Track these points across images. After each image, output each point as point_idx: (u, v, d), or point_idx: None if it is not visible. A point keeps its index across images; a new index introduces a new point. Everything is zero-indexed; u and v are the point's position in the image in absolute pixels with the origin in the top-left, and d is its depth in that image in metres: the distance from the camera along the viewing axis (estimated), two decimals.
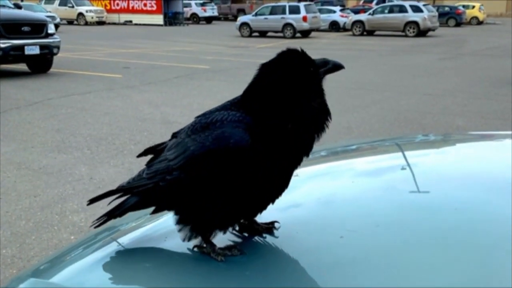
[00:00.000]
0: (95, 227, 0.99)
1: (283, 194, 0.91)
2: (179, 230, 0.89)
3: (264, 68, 0.90)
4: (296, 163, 0.89)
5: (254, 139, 0.82)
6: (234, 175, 0.82)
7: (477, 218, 0.93)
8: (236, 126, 0.83)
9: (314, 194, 1.16)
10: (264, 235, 0.93)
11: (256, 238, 0.93)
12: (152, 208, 0.95)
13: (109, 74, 12.20)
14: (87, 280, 0.90)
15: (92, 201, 0.99)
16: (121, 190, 0.95)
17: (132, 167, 5.30)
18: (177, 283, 0.83)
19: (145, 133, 6.75)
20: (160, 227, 1.07)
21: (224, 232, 0.90)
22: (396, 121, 7.46)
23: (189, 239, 0.89)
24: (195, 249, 0.89)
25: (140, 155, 1.05)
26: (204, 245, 0.87)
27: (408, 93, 9.90)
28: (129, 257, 0.96)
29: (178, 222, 0.89)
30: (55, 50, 12.00)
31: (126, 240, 1.02)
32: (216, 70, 13.32)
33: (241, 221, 0.93)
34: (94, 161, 5.58)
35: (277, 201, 0.96)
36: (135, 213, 1.23)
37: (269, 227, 0.93)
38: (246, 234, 0.94)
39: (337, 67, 0.91)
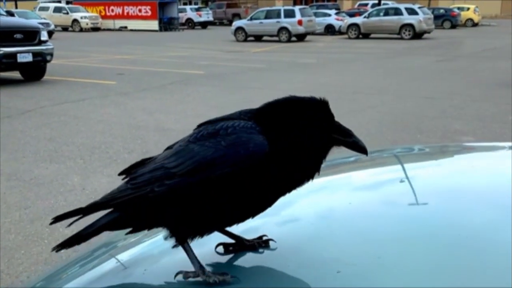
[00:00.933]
0: (56, 251, 0.91)
1: (283, 208, 0.91)
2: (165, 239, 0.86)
3: (287, 100, 0.86)
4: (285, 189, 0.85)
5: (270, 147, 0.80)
6: (244, 181, 0.80)
7: (477, 233, 0.91)
8: (251, 132, 0.80)
9: (312, 209, 1.14)
10: (254, 252, 0.88)
11: (246, 256, 0.88)
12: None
13: (103, 81, 12.11)
14: None
15: (57, 219, 0.89)
16: (94, 205, 0.86)
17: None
18: None
19: (138, 141, 6.66)
20: (160, 243, 1.01)
21: (201, 237, 0.85)
22: (393, 125, 7.38)
23: (169, 239, 0.85)
24: (183, 275, 0.81)
25: (122, 173, 0.93)
26: (194, 270, 0.80)
27: (405, 96, 9.84)
28: (128, 274, 0.92)
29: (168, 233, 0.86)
30: (48, 57, 11.91)
31: (125, 256, 0.99)
32: (211, 75, 13.25)
33: (226, 240, 0.89)
34: (86, 170, 5.48)
35: (274, 216, 0.95)
36: None
37: (259, 242, 0.89)
38: (231, 253, 0.90)
39: (357, 147, 0.85)
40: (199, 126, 0.87)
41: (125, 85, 11.48)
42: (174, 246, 0.84)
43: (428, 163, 1.62)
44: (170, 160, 0.83)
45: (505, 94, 9.86)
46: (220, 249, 0.89)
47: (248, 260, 0.88)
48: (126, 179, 0.88)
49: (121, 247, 1.09)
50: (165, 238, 0.85)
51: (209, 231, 0.85)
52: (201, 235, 0.84)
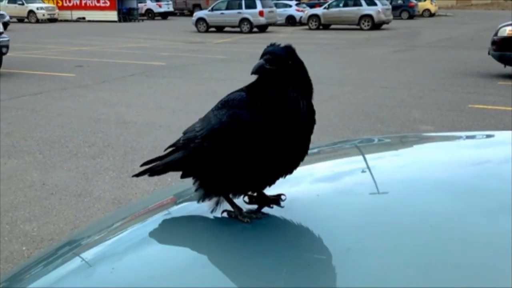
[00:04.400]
0: (135, 176, 1.12)
1: None
2: (196, 190, 1.03)
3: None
4: (299, 143, 0.98)
5: (256, 116, 0.95)
6: (241, 145, 0.95)
7: (435, 220, 0.94)
8: (238, 107, 0.97)
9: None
10: (271, 205, 1.03)
11: (265, 208, 1.03)
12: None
13: (61, 74, 11.85)
14: None
15: (144, 164, 1.12)
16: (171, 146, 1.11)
17: (87, 170, 5.13)
18: None
19: (99, 134, 6.55)
20: (124, 241, 1.03)
21: (237, 198, 1.02)
22: (354, 115, 7.49)
23: (203, 200, 1.02)
24: (224, 213, 0.99)
25: None
26: (232, 210, 0.99)
27: (365, 86, 9.98)
28: (93, 272, 0.91)
29: (197, 185, 1.02)
30: (4, 50, 11.57)
31: (89, 255, 0.98)
32: (173, 66, 13.13)
33: (250, 193, 1.05)
34: (46, 165, 5.37)
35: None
36: (98, 225, 1.25)
37: (276, 199, 1.04)
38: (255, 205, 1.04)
39: None
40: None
41: (84, 78, 11.25)
42: (206, 197, 1.01)
43: (389, 153, 1.65)
44: (198, 125, 1.03)
45: (461, 82, 10.13)
46: (246, 199, 1.05)
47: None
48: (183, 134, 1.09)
49: (85, 245, 1.08)
50: (201, 199, 1.02)
51: (234, 188, 1.00)
52: (230, 192, 1.01)
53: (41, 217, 4.09)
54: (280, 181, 1.41)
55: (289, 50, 0.99)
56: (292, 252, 0.86)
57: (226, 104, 1.00)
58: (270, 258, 0.84)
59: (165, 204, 1.16)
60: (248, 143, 0.95)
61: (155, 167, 1.09)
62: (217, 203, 1.01)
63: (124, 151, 5.76)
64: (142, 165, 1.12)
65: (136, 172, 1.12)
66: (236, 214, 0.97)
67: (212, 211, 1.00)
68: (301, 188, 1.20)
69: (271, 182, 1.02)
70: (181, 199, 1.17)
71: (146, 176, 1.13)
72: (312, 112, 1.00)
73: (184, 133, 1.08)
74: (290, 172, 1.02)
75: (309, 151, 1.79)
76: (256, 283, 0.79)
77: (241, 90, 1.02)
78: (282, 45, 0.99)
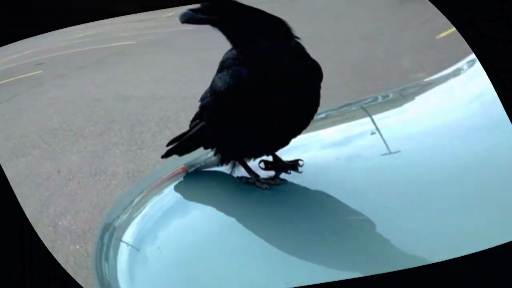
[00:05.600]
0: (164, 157, 1.13)
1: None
2: (214, 155, 1.05)
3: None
4: (305, 101, 0.96)
5: (251, 71, 0.94)
6: (246, 102, 0.94)
7: (452, 170, 0.97)
8: (236, 64, 0.97)
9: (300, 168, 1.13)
10: (289, 171, 1.04)
11: (283, 174, 1.04)
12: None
13: (25, 75, 10.22)
14: None
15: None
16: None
17: (96, 148, 5.15)
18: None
19: (100, 112, 6.35)
20: (150, 216, 1.06)
21: (252, 161, 1.03)
22: (354, 75, 6.66)
23: (221, 164, 1.04)
24: (243, 180, 1.00)
25: None
26: (249, 177, 1.00)
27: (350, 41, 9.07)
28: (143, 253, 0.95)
29: (215, 151, 1.04)
30: None
31: (130, 239, 1.01)
32: (163, 37, 11.71)
33: (267, 159, 1.05)
34: (55, 153, 5.33)
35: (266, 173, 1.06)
36: (121, 204, 1.24)
37: (294, 164, 1.04)
38: (273, 172, 1.05)
39: None
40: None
41: (55, 70, 9.71)
42: (224, 162, 1.02)
43: (396, 110, 1.64)
44: (207, 90, 1.03)
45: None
46: (262, 165, 1.06)
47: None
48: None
49: (120, 228, 1.07)
50: (220, 163, 1.03)
51: (248, 151, 1.01)
52: (245, 155, 1.01)
53: (70, 207, 4.13)
54: (294, 146, 1.29)
55: None
56: (326, 215, 0.88)
57: (223, 64, 0.98)
58: (305, 223, 0.85)
59: (177, 174, 1.15)
60: (251, 99, 0.93)
61: (180, 146, 1.10)
62: (234, 166, 1.02)
63: (130, 124, 5.69)
64: (168, 145, 1.11)
65: (146, 145, 1.14)
66: (253, 181, 0.98)
67: (231, 172, 1.02)
68: (316, 153, 1.19)
69: (283, 141, 1.00)
70: (193, 168, 1.17)
71: (155, 147, 1.21)
72: (308, 65, 0.96)
73: (201, 100, 1.08)
74: (301, 128, 0.99)
75: (318, 116, 1.84)
76: (298, 249, 0.81)
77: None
78: None
